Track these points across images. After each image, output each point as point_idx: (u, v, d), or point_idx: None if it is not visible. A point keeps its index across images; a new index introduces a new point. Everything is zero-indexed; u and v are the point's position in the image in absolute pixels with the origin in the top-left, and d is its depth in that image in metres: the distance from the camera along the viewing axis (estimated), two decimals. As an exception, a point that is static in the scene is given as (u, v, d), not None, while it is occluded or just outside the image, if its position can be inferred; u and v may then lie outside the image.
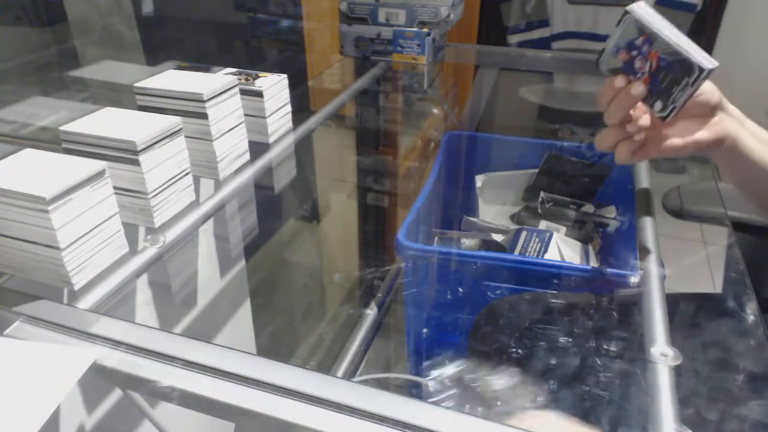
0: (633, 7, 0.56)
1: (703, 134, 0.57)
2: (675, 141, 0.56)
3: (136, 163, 0.56)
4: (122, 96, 0.81)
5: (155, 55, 0.98)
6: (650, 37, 0.55)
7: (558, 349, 0.66)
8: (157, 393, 0.42)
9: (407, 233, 0.80)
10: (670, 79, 0.54)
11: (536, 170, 1.10)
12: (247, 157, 0.74)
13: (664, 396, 0.42)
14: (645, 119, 0.56)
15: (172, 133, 0.60)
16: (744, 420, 0.52)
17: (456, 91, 1.62)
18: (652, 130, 0.57)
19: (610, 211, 1.05)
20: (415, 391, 0.84)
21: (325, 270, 1.42)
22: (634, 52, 0.56)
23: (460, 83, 1.88)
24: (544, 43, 2.28)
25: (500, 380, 0.64)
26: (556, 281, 0.75)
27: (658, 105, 0.55)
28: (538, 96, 2.52)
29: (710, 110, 0.57)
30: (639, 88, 0.55)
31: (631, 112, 0.57)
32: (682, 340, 0.52)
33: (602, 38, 2.19)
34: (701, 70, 0.53)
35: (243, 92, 0.72)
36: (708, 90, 0.57)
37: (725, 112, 0.59)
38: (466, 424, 0.38)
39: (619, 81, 0.56)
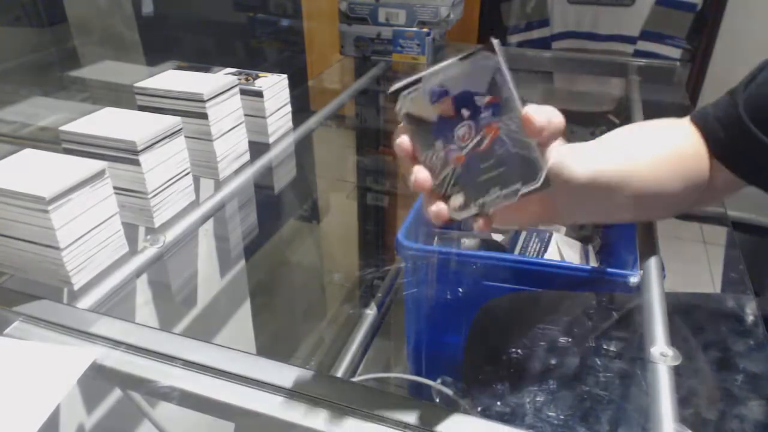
0: (497, 44, 0.36)
1: (532, 211, 0.45)
2: (498, 218, 0.42)
3: (136, 163, 0.56)
4: (122, 96, 0.81)
5: (155, 55, 0.98)
6: (502, 103, 0.36)
7: (557, 349, 0.66)
8: (157, 393, 0.42)
9: (407, 233, 0.80)
10: (496, 174, 0.37)
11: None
12: (247, 157, 0.74)
13: (664, 396, 0.42)
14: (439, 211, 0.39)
15: (172, 133, 0.60)
16: (744, 420, 0.52)
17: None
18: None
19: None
20: (415, 391, 0.84)
21: (325, 270, 1.42)
22: (465, 112, 0.37)
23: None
24: (544, 43, 2.27)
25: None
26: (555, 281, 0.75)
27: (457, 201, 0.38)
28: (538, 96, 2.52)
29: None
30: (422, 176, 0.38)
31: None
32: (682, 340, 0.52)
33: (602, 38, 2.19)
34: (544, 183, 0.37)
35: (243, 92, 0.72)
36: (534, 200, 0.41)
37: (559, 193, 0.44)
38: (466, 424, 0.38)
39: (404, 144, 0.38)
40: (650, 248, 0.60)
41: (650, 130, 0.54)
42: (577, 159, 0.43)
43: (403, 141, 0.38)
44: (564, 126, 0.38)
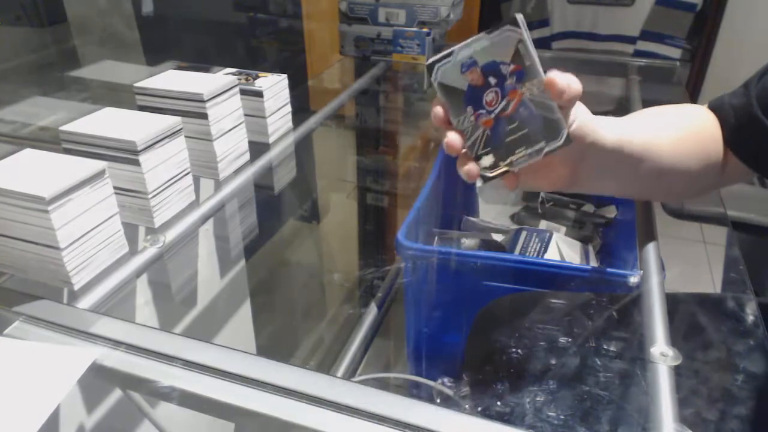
0: (521, 19, 0.40)
1: (558, 173, 0.46)
2: (525, 179, 0.45)
3: (136, 163, 0.56)
4: (122, 96, 0.81)
5: (155, 55, 0.98)
6: (526, 70, 0.40)
7: (557, 349, 0.66)
8: (157, 393, 0.42)
9: (407, 233, 0.80)
10: (521, 135, 0.41)
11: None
12: (247, 157, 0.74)
13: (664, 396, 0.42)
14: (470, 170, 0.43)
15: (172, 133, 0.60)
16: (744, 420, 0.52)
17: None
18: None
19: (610, 211, 1.05)
20: (415, 391, 0.84)
21: (325, 270, 1.42)
22: (492, 80, 0.41)
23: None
24: (544, 43, 2.27)
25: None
26: (556, 281, 0.75)
27: (487, 161, 0.42)
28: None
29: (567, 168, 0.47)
30: (454, 138, 0.42)
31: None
32: (682, 340, 0.52)
33: (602, 38, 2.19)
34: (566, 140, 0.41)
35: (243, 92, 0.72)
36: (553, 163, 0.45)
37: (584, 160, 0.47)
38: (466, 424, 0.38)
39: (438, 111, 0.42)
40: (650, 248, 0.60)
41: (673, 110, 0.58)
42: (606, 125, 0.47)
43: (438, 110, 0.43)
44: (581, 91, 0.41)
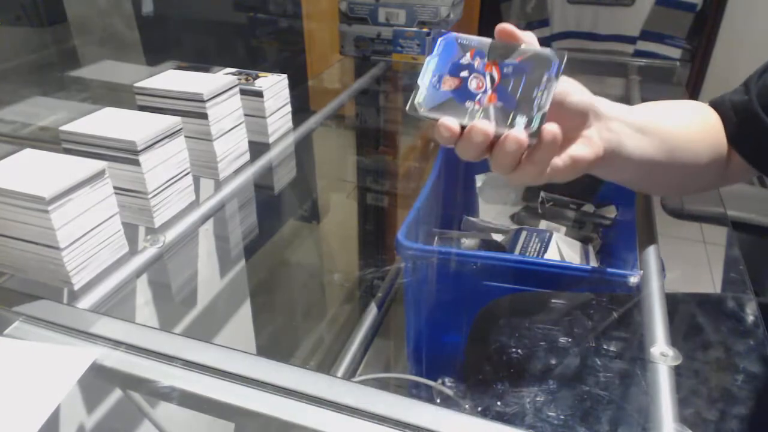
0: (447, 32, 0.45)
1: (581, 151, 0.45)
2: (555, 162, 0.44)
3: (136, 163, 0.56)
4: (122, 96, 0.81)
5: (155, 55, 0.98)
6: (479, 50, 0.44)
7: (557, 349, 0.66)
8: (157, 393, 0.42)
9: (407, 233, 0.80)
10: (524, 82, 0.43)
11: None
12: (247, 157, 0.74)
13: (664, 396, 0.42)
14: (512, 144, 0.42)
15: (172, 133, 0.60)
16: (744, 420, 0.52)
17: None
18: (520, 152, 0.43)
19: (610, 211, 1.05)
20: (415, 391, 0.84)
21: (325, 270, 1.42)
22: (464, 73, 0.43)
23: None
24: (544, 43, 2.27)
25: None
26: (555, 281, 0.75)
27: (521, 120, 0.42)
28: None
29: (582, 118, 0.46)
30: (481, 126, 0.41)
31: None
32: (682, 340, 0.52)
33: (602, 38, 2.19)
34: (560, 57, 0.43)
35: (243, 92, 0.72)
36: (575, 91, 0.45)
37: (599, 115, 0.47)
38: (466, 424, 0.38)
39: (446, 126, 0.42)
40: (650, 248, 0.60)
41: (679, 103, 0.58)
42: (607, 103, 0.49)
43: (445, 126, 0.42)
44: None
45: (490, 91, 0.43)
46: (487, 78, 0.43)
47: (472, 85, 0.43)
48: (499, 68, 0.43)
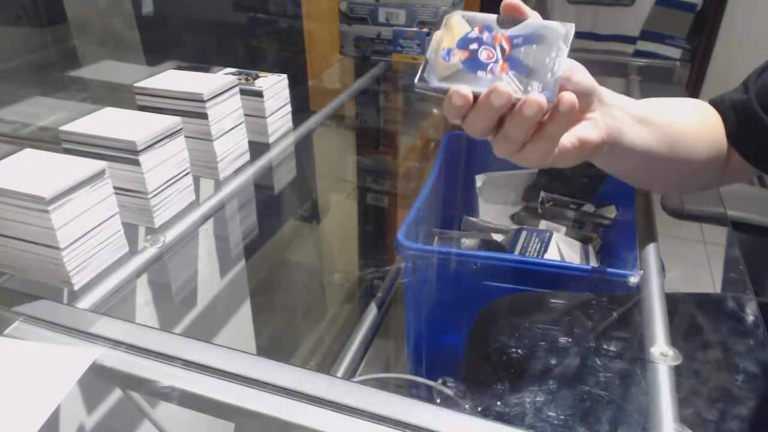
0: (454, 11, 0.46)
1: (589, 132, 0.45)
2: (563, 142, 0.44)
3: (136, 163, 0.56)
4: (122, 96, 0.81)
5: (155, 55, 0.98)
6: (486, 24, 0.44)
7: (558, 349, 0.66)
8: (157, 393, 0.42)
9: (407, 233, 0.80)
10: (535, 50, 0.43)
11: (536, 170, 1.10)
12: (247, 157, 0.74)
13: (664, 396, 0.42)
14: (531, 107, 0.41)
15: (172, 133, 0.60)
16: (744, 420, 0.52)
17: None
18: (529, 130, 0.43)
19: (610, 211, 1.05)
20: (415, 391, 0.84)
21: (325, 270, 1.42)
22: (474, 45, 0.44)
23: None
24: (544, 43, 2.27)
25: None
26: (555, 281, 0.75)
27: (536, 86, 0.42)
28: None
29: (587, 99, 0.45)
30: (503, 89, 0.40)
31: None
32: (682, 340, 0.52)
33: (602, 38, 2.19)
34: (565, 27, 0.43)
35: (243, 92, 0.72)
36: (580, 70, 0.45)
37: (602, 100, 0.47)
38: (466, 424, 0.38)
39: (465, 89, 0.42)
40: (650, 248, 0.60)
41: (682, 100, 0.58)
42: (629, 127, 0.49)
43: (459, 94, 0.41)
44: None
45: (501, 61, 0.43)
46: (498, 49, 0.43)
47: (483, 56, 0.43)
48: (508, 39, 0.43)
